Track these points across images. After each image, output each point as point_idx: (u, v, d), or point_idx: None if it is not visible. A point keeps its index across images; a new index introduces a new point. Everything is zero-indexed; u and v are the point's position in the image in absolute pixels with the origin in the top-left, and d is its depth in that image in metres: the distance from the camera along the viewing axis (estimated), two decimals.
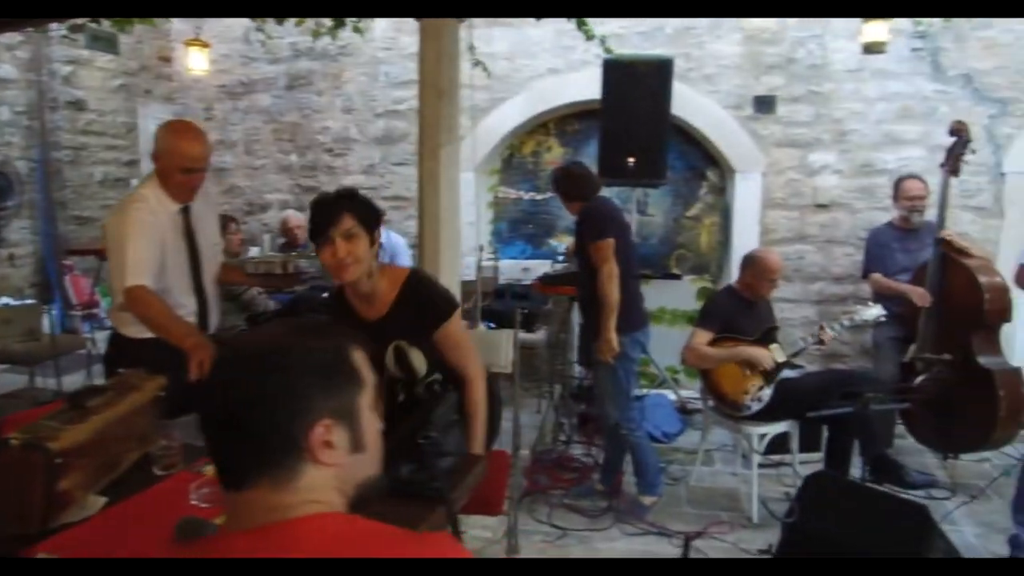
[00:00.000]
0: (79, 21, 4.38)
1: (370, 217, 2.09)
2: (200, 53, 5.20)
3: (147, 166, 7.84)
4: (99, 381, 5.08)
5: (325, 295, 4.07)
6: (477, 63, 3.96)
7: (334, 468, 0.92)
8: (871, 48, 4.02)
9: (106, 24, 4.73)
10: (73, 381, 4.42)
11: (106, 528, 1.80)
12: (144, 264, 2.45)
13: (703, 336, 3.68)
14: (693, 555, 3.10)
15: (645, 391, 4.94)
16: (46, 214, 6.68)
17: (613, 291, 3.34)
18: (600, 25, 4.78)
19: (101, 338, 5.37)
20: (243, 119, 5.89)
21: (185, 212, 2.66)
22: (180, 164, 2.53)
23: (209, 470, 2.06)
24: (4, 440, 1.73)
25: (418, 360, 2.12)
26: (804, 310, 5.07)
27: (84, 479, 1.85)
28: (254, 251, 5.72)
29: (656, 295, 5.20)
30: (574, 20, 3.82)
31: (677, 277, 5.27)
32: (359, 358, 0.97)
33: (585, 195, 3.61)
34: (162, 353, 2.41)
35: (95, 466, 1.90)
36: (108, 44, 6.89)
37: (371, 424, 0.98)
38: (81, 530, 1.78)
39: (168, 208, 2.60)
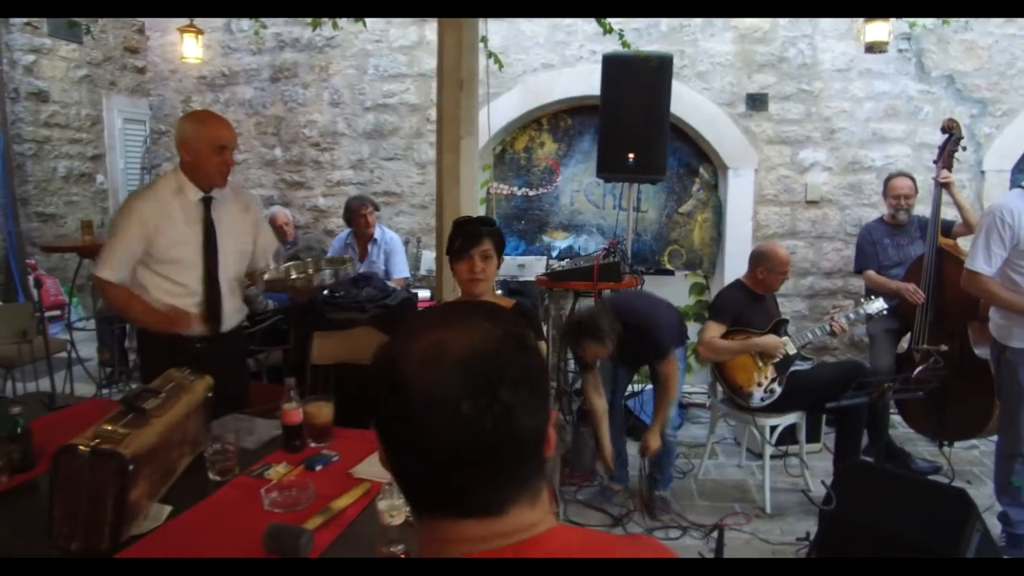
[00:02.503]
0: None
1: (501, 245, 2.56)
2: (195, 40, 5.02)
3: (113, 160, 7.64)
4: (80, 384, 4.89)
5: (325, 292, 4.00)
6: (490, 55, 3.90)
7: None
8: (873, 48, 4.11)
9: None
10: (48, 385, 4.20)
11: (179, 538, 1.72)
12: (115, 258, 2.56)
13: (716, 329, 3.71)
14: (713, 545, 3.14)
15: (642, 386, 4.96)
16: (7, 211, 6.39)
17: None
18: (591, 23, 4.79)
19: (78, 339, 5.16)
20: (224, 112, 5.69)
21: (206, 202, 2.65)
22: (213, 144, 2.56)
23: (274, 473, 1.99)
24: (71, 446, 1.63)
25: None
26: (796, 304, 5.17)
27: (149, 487, 1.77)
28: None
29: (650, 290, 5.22)
30: (593, 18, 3.79)
31: (670, 272, 5.31)
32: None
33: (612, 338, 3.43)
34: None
35: (158, 473, 1.81)
36: (72, 33, 6.61)
37: None
38: (152, 542, 1.70)
39: (189, 197, 2.63)
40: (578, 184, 5.33)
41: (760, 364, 3.67)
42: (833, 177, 5.06)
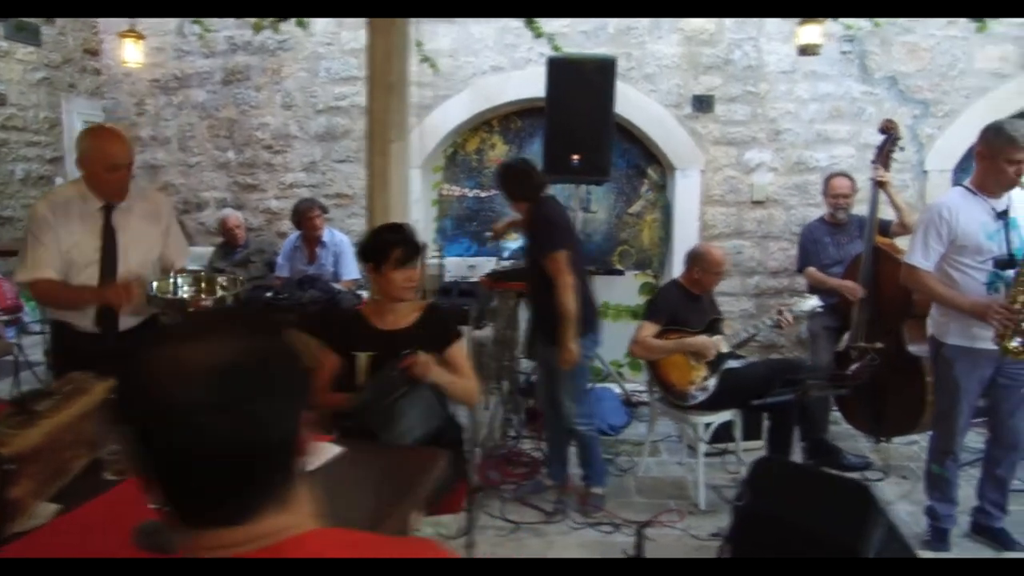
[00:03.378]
0: None
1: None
2: (135, 45, 5.01)
3: (72, 163, 7.57)
4: (28, 387, 4.87)
5: (270, 294, 4.01)
6: (424, 59, 3.93)
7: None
8: (806, 50, 4.17)
9: None
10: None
11: (59, 536, 1.73)
12: (31, 260, 2.63)
13: (650, 329, 3.76)
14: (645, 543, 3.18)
15: (591, 385, 5.01)
16: None
17: (571, 302, 3.35)
18: (543, 24, 4.83)
19: (28, 344, 5.14)
20: (177, 114, 5.71)
21: (107, 211, 2.73)
22: (104, 163, 2.62)
23: None
24: None
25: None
26: (743, 303, 5.24)
27: (34, 486, 1.78)
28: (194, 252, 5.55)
29: (600, 290, 5.25)
30: (523, 19, 3.83)
31: (620, 273, 5.36)
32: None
33: (529, 195, 3.53)
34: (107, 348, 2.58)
35: (46, 472, 1.83)
36: (30, 35, 6.58)
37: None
38: (32, 540, 1.71)
39: (89, 206, 2.70)
40: None
41: (693, 363, 3.72)
42: (779, 177, 5.13)
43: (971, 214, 3.03)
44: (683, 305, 3.84)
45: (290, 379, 0.83)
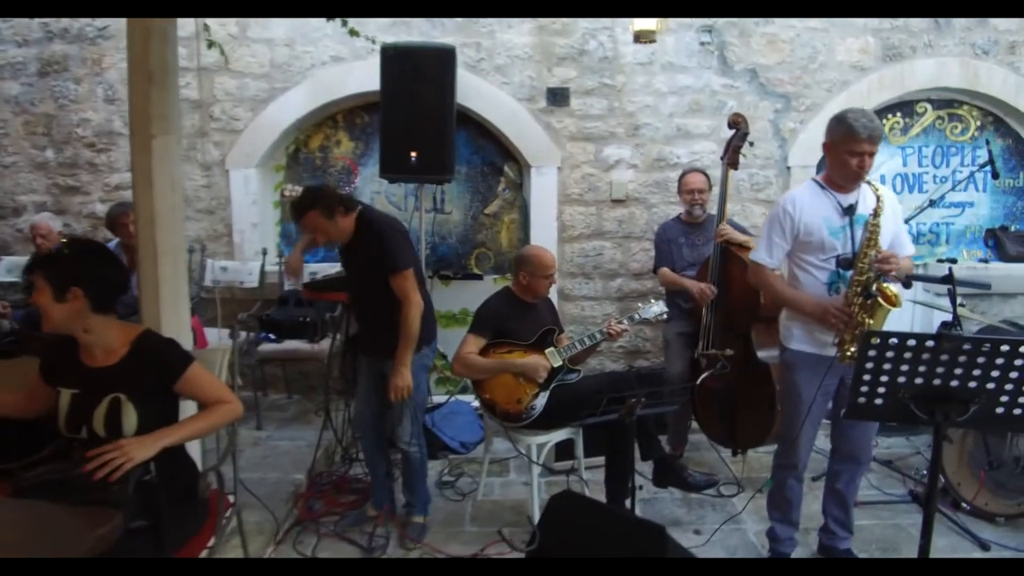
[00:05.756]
0: None
1: (61, 276, 2.09)
2: None
3: None
4: None
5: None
6: (211, 44, 3.50)
7: None
8: (640, 37, 3.92)
9: None
10: None
11: None
12: None
13: (474, 344, 3.43)
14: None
15: (445, 398, 4.68)
16: None
17: (417, 324, 3.07)
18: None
19: None
20: None
21: None
22: None
23: None
24: None
25: (129, 422, 2.10)
26: (606, 307, 4.97)
27: None
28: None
29: (457, 296, 4.95)
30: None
31: (479, 277, 5.03)
32: None
33: (347, 203, 3.12)
34: None
35: None
36: None
37: None
38: None
39: None
40: (378, 185, 4.99)
41: (521, 381, 3.40)
42: (639, 175, 4.88)
43: (816, 209, 2.80)
44: (513, 315, 3.52)
45: None
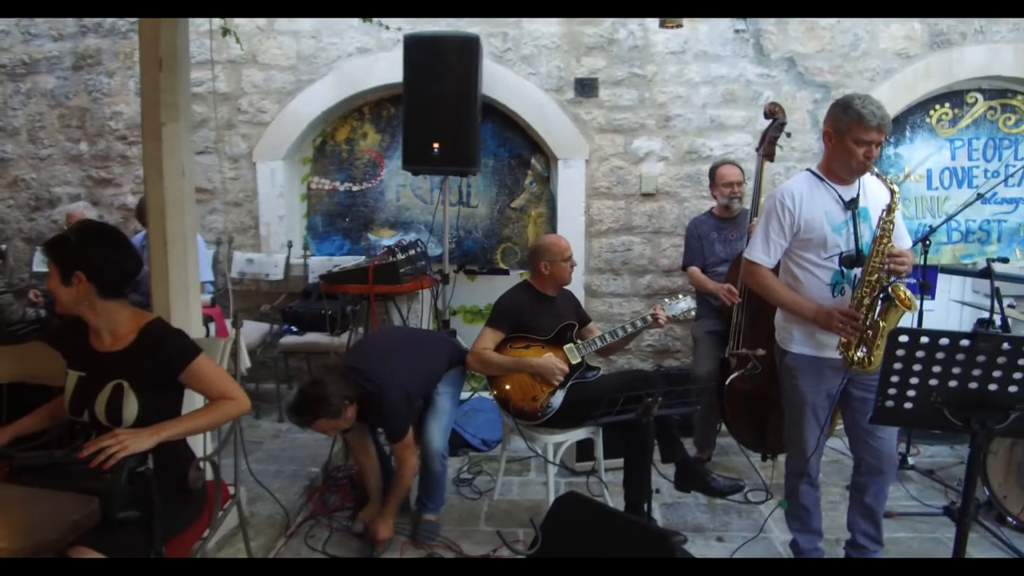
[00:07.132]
0: None
1: (66, 260, 2.10)
2: None
3: None
4: None
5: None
6: (226, 32, 3.47)
7: None
8: (666, 22, 3.77)
9: None
10: None
11: None
12: None
13: (491, 339, 3.34)
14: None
15: (469, 394, 4.59)
16: None
17: (408, 482, 3.30)
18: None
19: None
20: (26, 103, 5.20)
21: None
22: None
23: None
24: None
25: (129, 409, 2.08)
26: (634, 304, 4.82)
27: None
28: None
29: (482, 291, 4.87)
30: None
31: (505, 272, 4.94)
32: None
33: (349, 393, 3.01)
34: None
35: None
36: None
37: None
38: None
39: None
40: (404, 178, 4.93)
41: (537, 379, 3.29)
42: (669, 168, 4.72)
43: (816, 203, 2.62)
44: (531, 309, 3.42)
45: None
